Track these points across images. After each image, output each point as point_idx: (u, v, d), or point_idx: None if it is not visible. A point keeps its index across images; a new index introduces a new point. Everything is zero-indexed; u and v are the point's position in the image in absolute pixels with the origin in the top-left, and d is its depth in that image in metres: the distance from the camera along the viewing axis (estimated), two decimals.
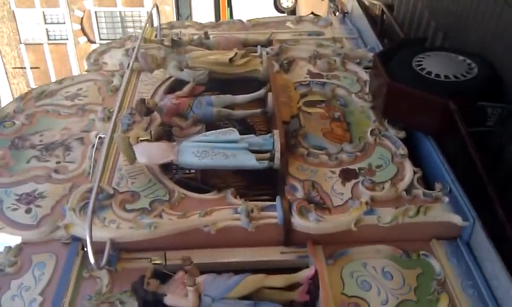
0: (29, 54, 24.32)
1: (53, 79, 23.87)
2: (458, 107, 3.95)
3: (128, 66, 5.36)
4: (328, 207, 3.76)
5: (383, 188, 3.85)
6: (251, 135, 4.05)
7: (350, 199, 3.82)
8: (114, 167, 4.07)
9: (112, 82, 5.41)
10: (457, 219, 3.65)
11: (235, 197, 3.82)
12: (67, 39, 24.14)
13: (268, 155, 3.94)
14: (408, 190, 3.88)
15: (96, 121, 4.63)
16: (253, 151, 3.92)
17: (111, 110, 4.71)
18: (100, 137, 4.16)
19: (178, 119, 4.45)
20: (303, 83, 5.16)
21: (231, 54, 5.00)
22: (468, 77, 4.28)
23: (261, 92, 4.65)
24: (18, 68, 24.54)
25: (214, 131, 3.98)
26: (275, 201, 3.80)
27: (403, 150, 4.23)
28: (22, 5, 23.17)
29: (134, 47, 5.45)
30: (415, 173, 4.03)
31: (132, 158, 3.85)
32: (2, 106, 5.65)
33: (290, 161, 4.15)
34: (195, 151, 3.82)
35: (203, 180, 4.28)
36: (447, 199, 3.79)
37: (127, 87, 4.91)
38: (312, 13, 7.80)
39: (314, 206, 3.73)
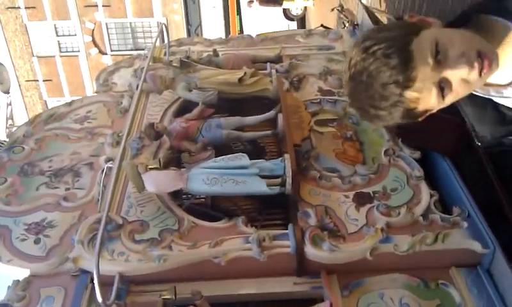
0: (42, 67, 24.59)
1: (65, 91, 24.13)
2: None
3: (137, 87, 5.30)
4: (342, 235, 3.65)
5: (399, 213, 3.73)
6: (261, 160, 3.96)
7: (365, 226, 3.70)
8: (123, 194, 4.01)
9: (121, 103, 5.37)
10: (476, 246, 3.52)
11: (246, 225, 3.73)
12: (79, 51, 24.37)
13: (279, 180, 3.85)
14: (425, 215, 3.75)
15: (105, 146, 4.58)
16: (263, 177, 3.83)
17: (119, 134, 4.66)
18: (108, 166, 4.09)
19: (188, 143, 4.39)
20: (314, 101, 5.06)
21: (240, 74, 4.92)
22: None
23: (271, 113, 4.56)
24: (31, 80, 24.81)
25: (224, 157, 3.90)
26: (287, 228, 3.71)
27: (419, 172, 4.10)
28: (34, 18, 23.43)
29: (143, 68, 5.40)
30: (431, 196, 3.90)
31: (140, 187, 3.79)
32: (14, 128, 5.64)
33: (302, 185, 4.05)
34: (204, 179, 3.74)
35: (213, 205, 4.21)
36: (465, 224, 3.65)
37: (135, 110, 4.85)
38: (322, 25, 7.70)
39: (328, 233, 3.63)
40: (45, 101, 24.65)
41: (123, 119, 5.14)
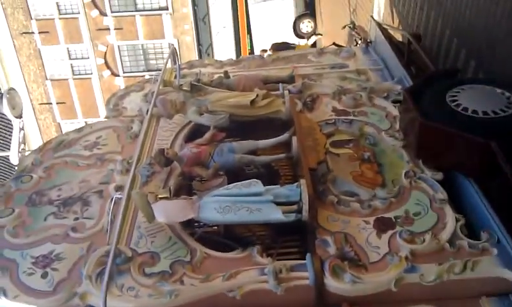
0: (55, 90, 24.82)
1: (79, 113, 24.28)
2: (500, 146, 3.61)
3: (147, 112, 5.20)
4: (363, 264, 3.44)
5: (424, 240, 3.52)
6: (276, 186, 3.79)
7: (388, 254, 3.49)
8: (133, 224, 3.86)
9: (131, 128, 5.25)
10: (508, 274, 3.29)
11: (262, 255, 3.54)
12: (91, 73, 24.57)
13: (295, 207, 3.67)
14: (451, 241, 3.53)
15: (115, 174, 4.45)
16: (279, 204, 3.66)
17: (129, 161, 4.53)
18: (117, 198, 3.94)
19: (199, 169, 4.23)
20: (329, 122, 4.89)
21: (252, 96, 4.78)
22: (508, 112, 3.94)
23: (285, 136, 4.40)
24: (44, 103, 25.05)
25: (237, 183, 3.74)
26: (305, 257, 3.52)
27: (442, 194, 3.89)
28: (48, 43, 23.68)
29: (153, 92, 5.30)
30: (457, 220, 3.68)
31: (150, 217, 3.64)
32: (27, 153, 5.54)
33: (320, 211, 3.86)
34: (217, 207, 3.58)
35: (226, 232, 4.04)
36: (495, 251, 3.42)
37: (145, 135, 4.72)
38: (334, 43, 7.57)
39: (348, 263, 3.42)
40: (59, 123, 24.81)
41: (133, 144, 5.01)
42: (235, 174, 4.37)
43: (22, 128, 7.52)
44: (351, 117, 4.96)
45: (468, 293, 3.37)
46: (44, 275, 3.71)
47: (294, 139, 4.26)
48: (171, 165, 4.31)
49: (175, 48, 5.95)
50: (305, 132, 4.42)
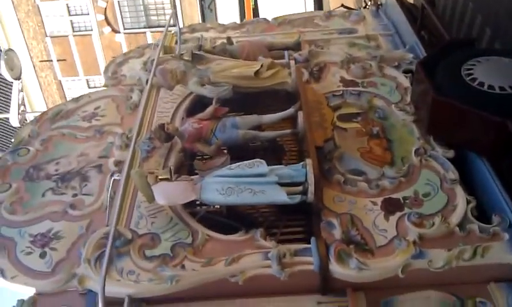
0: (55, 47, 24.39)
1: (80, 70, 23.95)
2: None
3: (146, 82, 5.00)
4: (370, 248, 3.33)
5: (433, 224, 3.39)
6: (280, 166, 3.64)
7: (395, 238, 3.37)
8: (132, 204, 3.74)
9: (131, 98, 5.07)
10: None
11: (265, 238, 3.43)
12: (92, 30, 24.04)
13: (300, 188, 3.53)
14: (461, 224, 3.41)
15: (114, 149, 4.30)
16: (283, 184, 3.52)
17: (128, 135, 4.37)
18: (115, 178, 3.81)
19: (201, 145, 4.08)
20: (336, 94, 4.68)
21: (256, 66, 4.56)
22: None
23: (291, 111, 4.21)
24: (45, 61, 24.66)
25: (240, 163, 3.58)
26: (309, 238, 3.42)
27: (453, 174, 3.73)
28: None
29: (153, 60, 5.07)
30: (468, 202, 3.54)
31: (150, 198, 3.51)
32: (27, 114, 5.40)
33: (325, 191, 3.73)
34: (219, 189, 3.44)
35: (229, 209, 3.93)
36: (507, 236, 3.30)
37: (145, 108, 4.53)
38: (342, 5, 7.22)
39: (354, 247, 3.32)
40: (60, 81, 24.52)
41: (132, 115, 4.84)
42: (238, 149, 4.23)
43: (21, 90, 7.32)
44: (360, 88, 4.75)
45: (477, 279, 3.27)
46: (43, 255, 3.64)
47: (300, 114, 4.07)
48: (172, 141, 4.16)
49: (175, 12, 5.68)
50: (312, 106, 4.22)
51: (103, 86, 5.52)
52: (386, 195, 3.69)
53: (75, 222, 3.86)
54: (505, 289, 3.23)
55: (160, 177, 3.45)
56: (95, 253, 3.36)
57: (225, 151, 4.20)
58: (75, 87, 23.91)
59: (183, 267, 3.25)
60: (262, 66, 4.59)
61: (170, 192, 3.43)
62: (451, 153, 3.93)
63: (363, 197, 3.70)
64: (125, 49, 21.96)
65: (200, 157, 4.30)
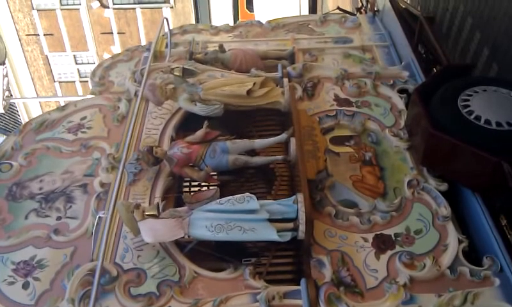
0: (42, 21, 23.79)
1: (67, 46, 23.42)
2: None
3: (135, 94, 4.86)
4: (360, 291, 3.29)
5: (424, 266, 3.35)
6: (271, 201, 3.55)
7: (385, 280, 3.34)
8: (118, 235, 3.64)
9: (118, 108, 4.92)
10: None
11: (254, 277, 3.37)
12: (80, 4, 23.44)
13: (291, 225, 3.46)
14: (452, 267, 3.37)
15: (100, 171, 4.17)
16: (273, 220, 3.44)
17: (115, 156, 4.24)
18: (100, 217, 3.69)
19: (190, 171, 3.98)
20: (330, 114, 4.58)
21: (248, 85, 4.42)
22: None
23: (283, 136, 4.10)
24: (31, 35, 24.07)
25: (230, 198, 3.49)
26: (298, 277, 3.37)
27: (446, 209, 3.69)
28: None
29: (142, 70, 4.92)
30: (460, 241, 3.51)
31: (136, 231, 3.42)
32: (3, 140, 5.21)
33: (316, 223, 3.66)
34: (208, 225, 3.36)
35: (218, 246, 3.82)
36: (497, 281, 3.27)
37: (132, 131, 4.37)
38: (339, 8, 7.04)
39: (344, 289, 3.27)
40: (46, 56, 23.98)
41: (119, 128, 4.70)
42: (229, 173, 4.14)
43: (6, 75, 7.11)
44: (354, 108, 4.65)
45: None
46: (26, 286, 3.54)
47: (293, 141, 3.97)
48: (160, 164, 4.04)
49: (166, 18, 5.48)
50: (305, 132, 4.12)
51: (90, 93, 5.34)
52: (377, 230, 3.64)
53: (59, 249, 3.76)
54: None
55: (147, 213, 3.34)
56: (79, 291, 3.28)
57: (215, 177, 4.10)
58: (62, 63, 23.49)
59: None
60: (254, 84, 4.46)
61: (157, 230, 3.33)
62: (444, 187, 3.88)
63: (355, 232, 3.64)
64: (114, 25, 21.50)
65: (188, 183, 4.20)
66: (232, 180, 4.20)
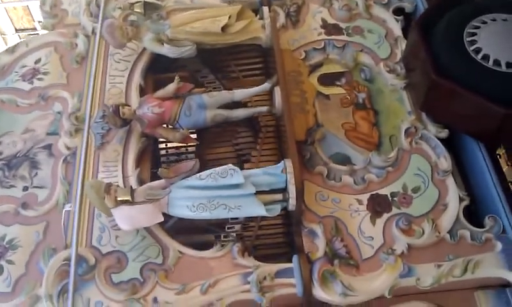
0: None
1: None
2: None
3: (92, 31, 4.24)
4: (355, 263, 3.11)
5: (423, 232, 3.15)
6: (256, 171, 3.21)
7: (382, 248, 3.15)
8: (92, 213, 3.32)
9: (76, 45, 4.31)
10: (510, 277, 3.04)
11: (243, 255, 3.15)
12: None
13: (280, 196, 3.17)
14: (452, 230, 3.18)
15: (63, 134, 3.72)
16: (261, 192, 3.15)
17: (78, 115, 3.76)
18: (67, 210, 3.30)
19: (164, 131, 3.56)
20: (317, 47, 4.06)
21: (223, 20, 3.82)
22: None
23: (266, 86, 3.63)
24: None
25: (212, 171, 3.13)
26: (288, 244, 3.20)
27: (446, 161, 3.41)
28: None
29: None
30: (461, 199, 3.29)
31: (109, 213, 3.10)
32: None
33: (307, 185, 3.38)
34: (189, 205, 3.05)
35: None
36: (499, 246, 3.11)
37: (94, 82, 3.83)
38: None
39: (339, 262, 3.09)
40: None
41: (80, 70, 4.16)
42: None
43: None
44: (344, 37, 4.12)
45: (464, 287, 3.15)
46: (0, 271, 3.30)
47: (278, 92, 3.50)
48: (131, 124, 3.61)
49: None
50: (290, 79, 3.64)
51: (42, 28, 4.64)
52: (372, 190, 3.38)
53: (30, 225, 3.46)
54: (492, 297, 3.14)
55: (119, 199, 2.99)
56: (56, 286, 3.03)
57: (193, 136, 3.70)
58: None
59: (155, 301, 2.98)
60: (230, 17, 3.86)
61: (133, 217, 3.01)
62: (445, 133, 3.56)
63: (348, 193, 3.38)
64: None
65: (164, 143, 3.79)
66: (214, 128, 3.80)
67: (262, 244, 3.39)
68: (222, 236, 3.35)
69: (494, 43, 3.35)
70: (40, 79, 4.19)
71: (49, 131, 3.89)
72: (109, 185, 3.10)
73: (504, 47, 3.33)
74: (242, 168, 3.58)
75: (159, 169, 3.20)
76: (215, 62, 4.18)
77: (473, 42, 3.37)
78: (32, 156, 3.78)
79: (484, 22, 3.46)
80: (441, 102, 3.42)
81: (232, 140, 3.94)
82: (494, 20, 3.48)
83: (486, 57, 3.29)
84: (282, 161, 3.24)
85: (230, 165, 3.15)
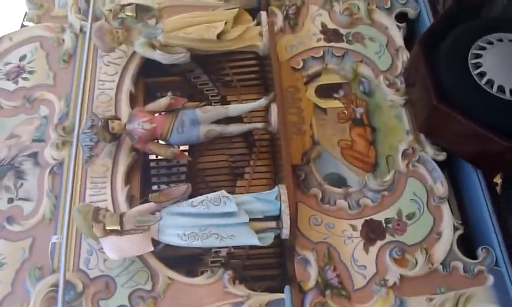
0: None
1: None
2: None
3: (80, 29, 4.03)
4: (347, 294, 3.08)
5: (416, 264, 3.12)
6: (250, 198, 3.11)
7: (374, 279, 3.12)
8: (79, 235, 3.23)
9: (63, 41, 4.12)
10: None
11: (234, 283, 3.10)
12: None
13: (273, 223, 3.10)
14: (445, 260, 3.15)
15: (49, 147, 3.58)
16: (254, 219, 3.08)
17: (65, 127, 3.62)
18: (53, 243, 3.19)
19: (155, 147, 3.44)
20: (316, 56, 3.90)
21: (219, 27, 3.64)
22: None
23: (262, 102, 3.48)
24: None
25: (204, 198, 3.04)
26: (279, 271, 3.17)
27: (442, 187, 3.35)
28: None
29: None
30: (455, 228, 3.24)
31: (96, 240, 3.02)
32: None
33: (301, 207, 3.32)
34: (181, 234, 2.98)
35: None
36: (491, 279, 3.09)
37: (82, 94, 3.66)
38: None
39: (331, 292, 3.06)
40: None
41: (67, 70, 4.00)
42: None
43: None
44: (344, 44, 3.96)
45: None
46: None
47: (274, 110, 3.37)
48: (120, 138, 3.48)
49: None
50: (288, 96, 3.51)
51: (27, 20, 4.39)
52: (367, 215, 3.32)
53: (16, 241, 3.37)
54: None
55: (108, 228, 2.90)
56: None
57: (185, 152, 3.58)
58: None
59: None
60: (226, 23, 3.67)
61: (122, 247, 2.93)
62: (443, 156, 3.48)
63: (342, 218, 3.32)
64: None
65: (155, 158, 3.67)
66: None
67: (252, 264, 3.32)
68: (210, 261, 3.28)
69: (499, 67, 3.23)
70: (25, 79, 4.02)
71: (35, 137, 3.76)
72: (97, 209, 3.00)
73: (509, 72, 3.21)
74: (234, 184, 3.53)
75: (149, 195, 3.10)
76: (209, 64, 4.00)
77: (477, 65, 3.25)
78: (17, 165, 3.66)
79: (491, 43, 3.32)
80: (441, 126, 3.32)
81: (224, 150, 3.82)
82: (501, 40, 3.34)
83: (490, 83, 3.18)
84: (276, 187, 3.16)
85: (223, 191, 3.06)
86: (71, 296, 3.03)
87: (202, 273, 3.15)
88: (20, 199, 3.54)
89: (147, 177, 3.66)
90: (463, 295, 3.05)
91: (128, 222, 2.99)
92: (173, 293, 3.09)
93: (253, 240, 3.01)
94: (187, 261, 3.25)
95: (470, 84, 3.21)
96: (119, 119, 3.46)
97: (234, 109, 3.50)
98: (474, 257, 3.17)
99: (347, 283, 3.13)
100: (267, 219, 3.11)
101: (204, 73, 4.09)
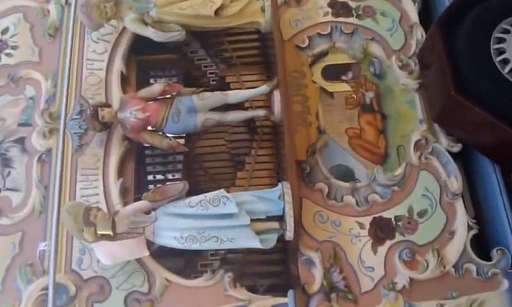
0: None
1: None
2: None
3: (65, 1, 3.68)
4: (354, 297, 2.93)
5: (427, 267, 2.96)
6: (252, 197, 2.90)
7: (382, 281, 2.96)
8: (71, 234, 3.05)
9: (48, 12, 3.79)
10: None
11: (234, 285, 2.95)
12: None
13: (276, 224, 2.91)
14: (458, 263, 2.99)
15: (34, 137, 3.33)
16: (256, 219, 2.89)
17: (51, 113, 3.35)
18: (41, 250, 2.98)
19: (150, 137, 3.18)
20: (322, 33, 3.58)
21: (217, 2, 3.31)
22: None
23: (264, 89, 3.20)
24: None
25: (202, 198, 2.83)
26: (282, 268, 3.02)
27: (457, 182, 3.14)
28: None
29: None
30: (469, 227, 3.06)
31: (87, 241, 2.84)
32: None
33: (306, 203, 3.12)
34: (177, 237, 2.79)
35: None
36: (506, 284, 2.94)
37: (69, 78, 3.37)
38: None
39: (336, 296, 2.92)
40: None
41: (53, 46, 3.68)
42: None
43: None
44: (353, 20, 3.64)
45: None
46: None
47: (277, 98, 3.10)
48: (111, 126, 3.23)
49: None
50: (292, 81, 3.21)
51: None
52: (375, 213, 3.13)
53: (5, 236, 3.18)
54: None
55: (100, 233, 2.70)
56: None
57: (182, 142, 3.33)
58: None
59: None
60: None
61: (115, 252, 2.75)
62: (458, 148, 3.25)
63: (350, 215, 3.12)
64: None
65: (149, 148, 3.42)
66: None
67: (254, 260, 3.16)
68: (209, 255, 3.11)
69: None
70: (8, 55, 3.71)
71: (21, 121, 3.50)
72: (88, 209, 2.79)
73: None
74: (234, 171, 3.33)
75: (143, 194, 2.88)
76: (206, 38, 3.69)
77: (500, 51, 2.95)
78: (3, 151, 3.42)
79: None
80: (458, 116, 3.07)
81: (223, 134, 3.58)
82: None
83: None
84: (280, 184, 2.94)
85: (222, 191, 2.85)
86: (63, 301, 2.87)
87: (202, 267, 2.99)
88: (8, 189, 3.32)
89: (142, 166, 3.43)
90: (475, 301, 2.90)
91: (121, 223, 2.79)
92: (170, 296, 2.93)
93: (255, 243, 2.83)
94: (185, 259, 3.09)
95: (492, 72, 2.93)
96: (109, 106, 3.19)
97: (234, 95, 3.22)
98: (487, 258, 3.02)
99: (353, 285, 2.97)
100: (269, 219, 2.92)
101: (202, 48, 3.79)
